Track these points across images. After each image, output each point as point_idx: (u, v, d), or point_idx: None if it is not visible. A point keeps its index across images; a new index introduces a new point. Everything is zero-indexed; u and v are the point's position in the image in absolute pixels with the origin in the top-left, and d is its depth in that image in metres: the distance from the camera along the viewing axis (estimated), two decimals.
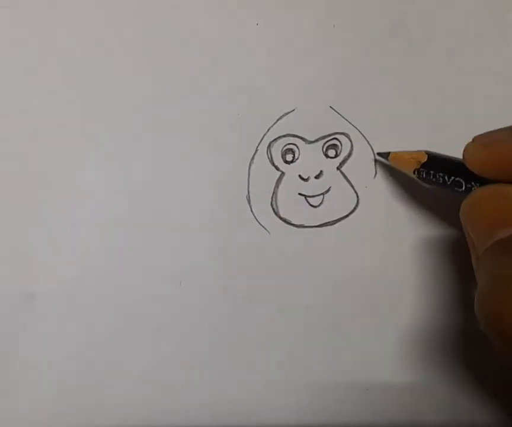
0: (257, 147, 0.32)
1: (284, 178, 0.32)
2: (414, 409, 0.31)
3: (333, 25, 0.32)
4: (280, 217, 0.31)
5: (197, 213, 0.31)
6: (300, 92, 0.32)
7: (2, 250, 0.31)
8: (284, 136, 0.32)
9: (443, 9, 0.32)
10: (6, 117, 0.32)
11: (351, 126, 0.32)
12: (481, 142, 0.24)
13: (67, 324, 0.31)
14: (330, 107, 0.32)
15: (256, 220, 0.31)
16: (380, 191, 0.31)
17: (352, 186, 0.32)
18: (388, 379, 0.31)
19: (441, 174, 0.27)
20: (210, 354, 0.31)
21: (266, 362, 0.31)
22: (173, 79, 0.32)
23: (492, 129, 0.24)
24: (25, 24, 0.32)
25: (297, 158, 0.32)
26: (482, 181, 0.25)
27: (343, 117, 0.32)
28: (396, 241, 0.31)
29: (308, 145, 0.32)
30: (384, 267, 0.31)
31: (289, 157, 0.32)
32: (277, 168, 0.32)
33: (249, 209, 0.31)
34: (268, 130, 0.32)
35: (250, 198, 0.31)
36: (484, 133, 0.24)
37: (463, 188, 0.25)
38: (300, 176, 0.32)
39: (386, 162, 0.31)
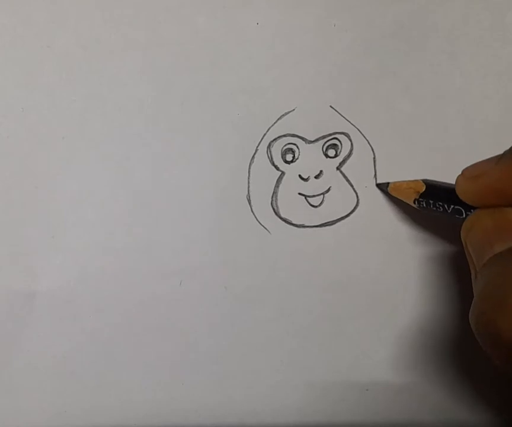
0: (257, 147, 0.32)
1: (284, 178, 0.32)
2: (414, 409, 0.31)
3: (334, 25, 0.32)
4: (280, 217, 0.31)
5: (197, 213, 0.31)
6: (300, 92, 0.32)
7: (2, 250, 0.31)
8: (284, 135, 0.32)
9: (443, 9, 0.32)
10: (6, 117, 0.32)
11: (351, 125, 0.32)
12: (468, 175, 0.25)
13: (67, 324, 0.31)
14: (331, 106, 0.32)
15: (257, 220, 0.31)
16: (380, 191, 0.31)
17: (352, 186, 0.32)
18: (388, 379, 0.31)
19: (440, 203, 0.27)
20: (210, 354, 0.31)
21: (266, 361, 0.31)
22: (173, 78, 0.32)
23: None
24: (25, 24, 0.32)
25: (297, 158, 0.32)
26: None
27: (343, 117, 0.32)
28: (395, 241, 0.31)
29: (308, 145, 0.32)
30: (384, 267, 0.31)
31: (289, 157, 0.32)
32: (277, 168, 0.32)
33: (250, 209, 0.31)
34: (268, 129, 0.32)
35: (251, 198, 0.31)
36: (471, 166, 0.25)
37: (463, 215, 0.26)
38: (300, 176, 0.32)
39: (386, 192, 0.31)
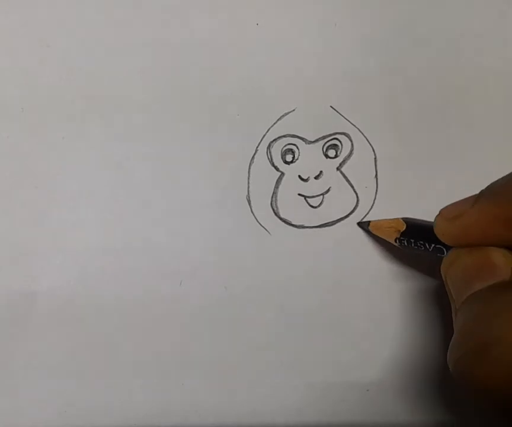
0: (257, 147, 0.32)
1: (284, 179, 0.32)
2: (414, 409, 0.31)
3: (335, 24, 0.32)
4: (280, 218, 0.31)
5: (197, 214, 0.31)
6: (300, 92, 0.32)
7: (2, 250, 0.31)
8: (284, 136, 0.32)
9: (443, 8, 0.32)
10: (6, 117, 0.32)
11: (351, 125, 0.32)
12: (446, 216, 0.25)
13: (67, 324, 0.31)
14: (331, 106, 0.32)
15: (256, 220, 0.31)
16: (380, 191, 0.31)
17: (352, 186, 0.32)
18: (388, 380, 0.31)
19: (421, 242, 0.27)
20: (210, 354, 0.31)
21: (266, 362, 0.31)
22: (173, 78, 0.32)
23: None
24: (26, 24, 0.32)
25: (297, 158, 0.32)
26: None
27: (343, 117, 0.32)
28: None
29: (308, 145, 0.32)
30: (384, 267, 0.31)
31: (289, 157, 0.32)
32: (276, 169, 0.32)
33: (249, 209, 0.31)
34: (268, 130, 0.32)
35: (250, 198, 0.31)
36: (449, 206, 0.25)
37: (445, 253, 0.26)
38: (299, 176, 0.32)
39: (367, 231, 0.31)
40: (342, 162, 0.32)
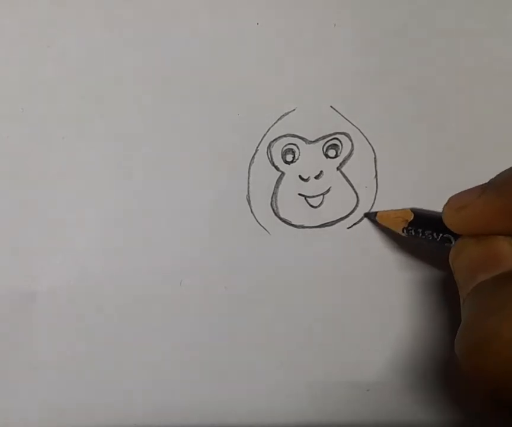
0: (257, 147, 0.32)
1: (284, 179, 0.32)
2: (414, 409, 0.31)
3: (334, 24, 0.32)
4: (280, 218, 0.31)
5: (197, 213, 0.31)
6: (300, 92, 0.32)
7: (2, 250, 0.31)
8: (284, 136, 0.32)
9: (443, 9, 0.32)
10: (6, 117, 0.32)
11: (351, 125, 0.32)
12: (453, 206, 0.25)
13: (67, 324, 0.31)
14: (331, 106, 0.32)
15: (256, 220, 0.31)
16: (380, 191, 0.31)
17: (352, 186, 0.31)
18: (388, 379, 0.31)
19: (429, 231, 0.27)
20: (210, 354, 0.31)
21: (266, 361, 0.31)
22: (173, 78, 0.32)
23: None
24: (26, 24, 0.32)
25: (297, 158, 0.32)
26: None
27: (343, 117, 0.32)
28: (396, 241, 0.31)
29: (308, 145, 0.32)
30: (384, 267, 0.31)
31: (289, 157, 0.32)
32: (277, 168, 0.32)
33: (249, 209, 0.31)
34: (268, 130, 0.32)
35: (250, 198, 0.31)
36: (456, 196, 0.25)
37: (453, 243, 0.26)
38: (300, 176, 0.32)
39: (375, 222, 0.31)
40: (342, 162, 0.32)
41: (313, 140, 0.32)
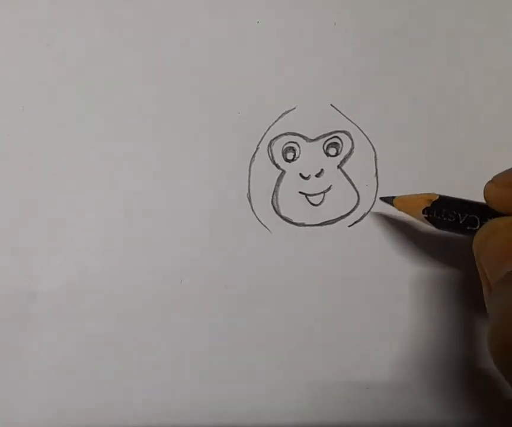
0: (258, 145, 0.32)
1: (285, 177, 0.32)
2: (414, 409, 0.31)
3: (334, 23, 0.32)
4: (281, 216, 0.31)
5: (197, 212, 0.31)
6: (301, 91, 0.32)
7: (2, 250, 0.31)
8: (284, 134, 0.32)
9: (443, 9, 0.32)
10: (6, 116, 0.32)
11: (352, 124, 0.32)
12: (503, 182, 0.24)
13: (67, 324, 0.31)
14: (331, 105, 0.32)
15: (257, 218, 0.31)
16: (380, 189, 0.31)
17: (353, 184, 0.32)
18: (388, 379, 0.31)
19: (454, 212, 0.26)
20: (210, 354, 0.31)
21: (266, 361, 0.31)
22: (173, 78, 0.32)
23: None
24: (26, 24, 0.32)
25: (298, 157, 0.32)
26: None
27: (344, 115, 0.32)
28: (396, 240, 0.31)
29: (309, 143, 0.32)
30: (384, 265, 0.31)
31: (290, 155, 0.32)
32: (277, 167, 0.32)
33: (250, 207, 0.31)
34: (269, 128, 0.32)
35: (251, 196, 0.31)
36: (503, 173, 0.24)
37: (478, 226, 0.25)
38: (300, 174, 0.32)
39: (391, 206, 0.30)
40: (343, 160, 0.32)
41: (313, 138, 0.32)
